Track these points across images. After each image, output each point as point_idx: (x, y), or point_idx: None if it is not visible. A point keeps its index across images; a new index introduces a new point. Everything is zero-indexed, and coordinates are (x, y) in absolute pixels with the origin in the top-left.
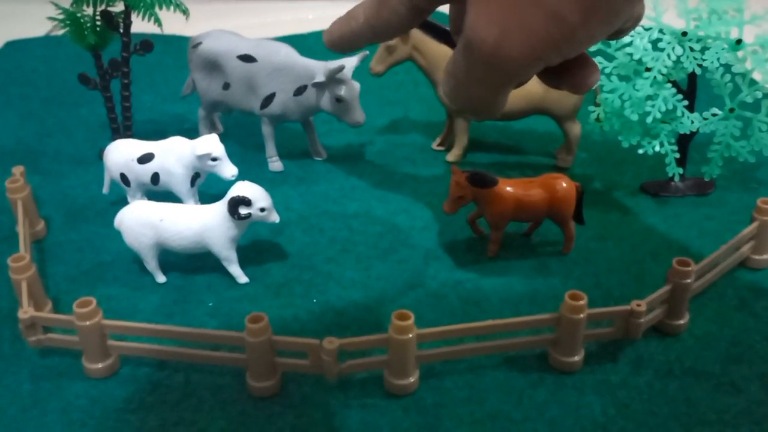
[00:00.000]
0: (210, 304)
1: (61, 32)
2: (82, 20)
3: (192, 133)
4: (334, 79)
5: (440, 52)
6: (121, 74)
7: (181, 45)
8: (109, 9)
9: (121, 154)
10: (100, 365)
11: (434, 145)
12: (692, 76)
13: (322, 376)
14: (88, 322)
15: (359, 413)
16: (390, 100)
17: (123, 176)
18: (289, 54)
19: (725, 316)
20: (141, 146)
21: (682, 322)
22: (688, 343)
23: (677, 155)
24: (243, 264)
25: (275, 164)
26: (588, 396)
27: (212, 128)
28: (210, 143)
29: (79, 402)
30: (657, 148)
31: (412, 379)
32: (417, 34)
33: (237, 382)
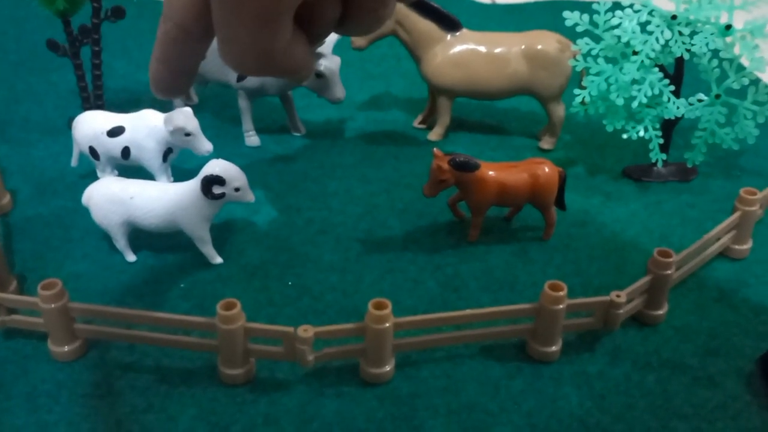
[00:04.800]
0: (182, 285)
1: None
2: None
3: (166, 104)
4: None
5: (424, 28)
6: (91, 41)
7: (156, 9)
8: None
9: (90, 126)
10: (66, 348)
11: (416, 123)
12: (679, 61)
13: (296, 364)
14: (53, 305)
15: (334, 402)
16: (371, 74)
17: (92, 149)
18: None
19: (704, 308)
20: (111, 119)
21: (660, 312)
22: (666, 334)
23: (661, 141)
24: (217, 244)
25: (252, 139)
26: (565, 387)
27: (187, 99)
28: (183, 117)
29: (45, 386)
30: (641, 133)
31: (387, 368)
32: (401, 9)
33: (209, 368)
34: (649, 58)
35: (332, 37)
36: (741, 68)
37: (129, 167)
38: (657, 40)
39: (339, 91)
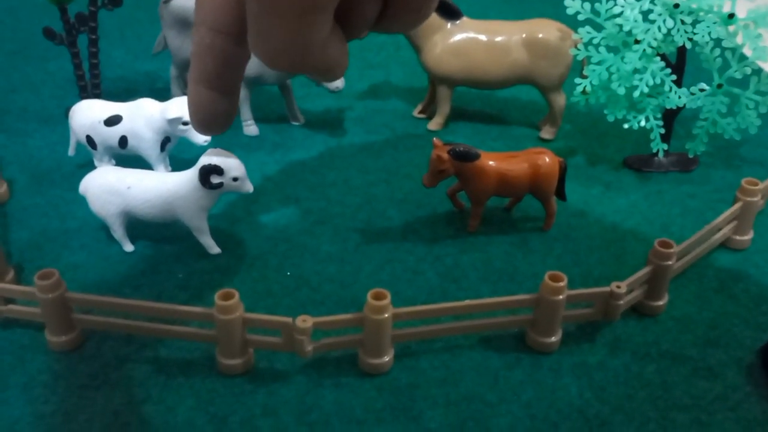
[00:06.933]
0: (180, 276)
1: None
2: None
3: (164, 93)
4: None
5: None
6: (88, 29)
7: None
8: None
9: (87, 115)
10: (63, 338)
11: (415, 113)
12: (681, 50)
13: (295, 354)
14: (50, 295)
15: (333, 393)
16: (371, 63)
17: (89, 138)
18: None
19: (704, 298)
20: (108, 107)
21: (661, 303)
22: (666, 325)
23: (662, 130)
24: (215, 234)
25: (250, 128)
26: (564, 378)
27: (185, 88)
28: (181, 106)
29: (42, 377)
30: (642, 123)
31: (386, 359)
32: None
33: (207, 359)
34: (651, 47)
35: None
36: (743, 58)
37: (126, 157)
38: (659, 29)
39: (338, 80)
